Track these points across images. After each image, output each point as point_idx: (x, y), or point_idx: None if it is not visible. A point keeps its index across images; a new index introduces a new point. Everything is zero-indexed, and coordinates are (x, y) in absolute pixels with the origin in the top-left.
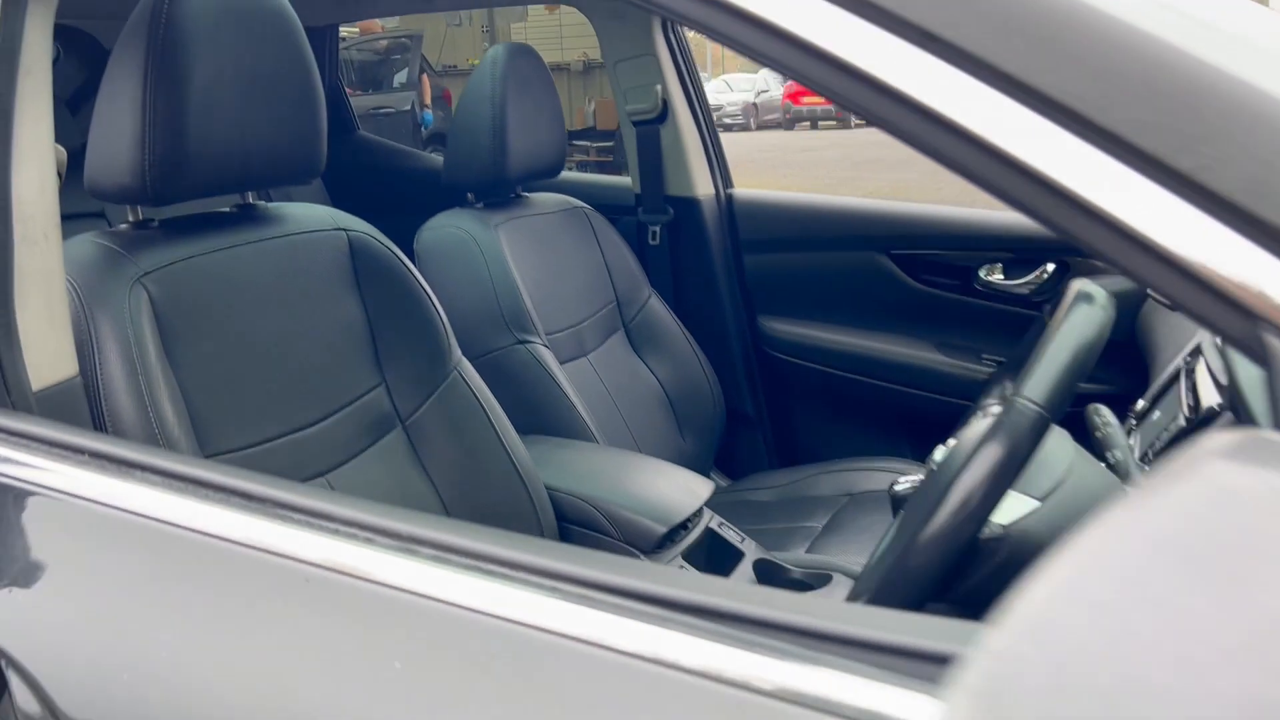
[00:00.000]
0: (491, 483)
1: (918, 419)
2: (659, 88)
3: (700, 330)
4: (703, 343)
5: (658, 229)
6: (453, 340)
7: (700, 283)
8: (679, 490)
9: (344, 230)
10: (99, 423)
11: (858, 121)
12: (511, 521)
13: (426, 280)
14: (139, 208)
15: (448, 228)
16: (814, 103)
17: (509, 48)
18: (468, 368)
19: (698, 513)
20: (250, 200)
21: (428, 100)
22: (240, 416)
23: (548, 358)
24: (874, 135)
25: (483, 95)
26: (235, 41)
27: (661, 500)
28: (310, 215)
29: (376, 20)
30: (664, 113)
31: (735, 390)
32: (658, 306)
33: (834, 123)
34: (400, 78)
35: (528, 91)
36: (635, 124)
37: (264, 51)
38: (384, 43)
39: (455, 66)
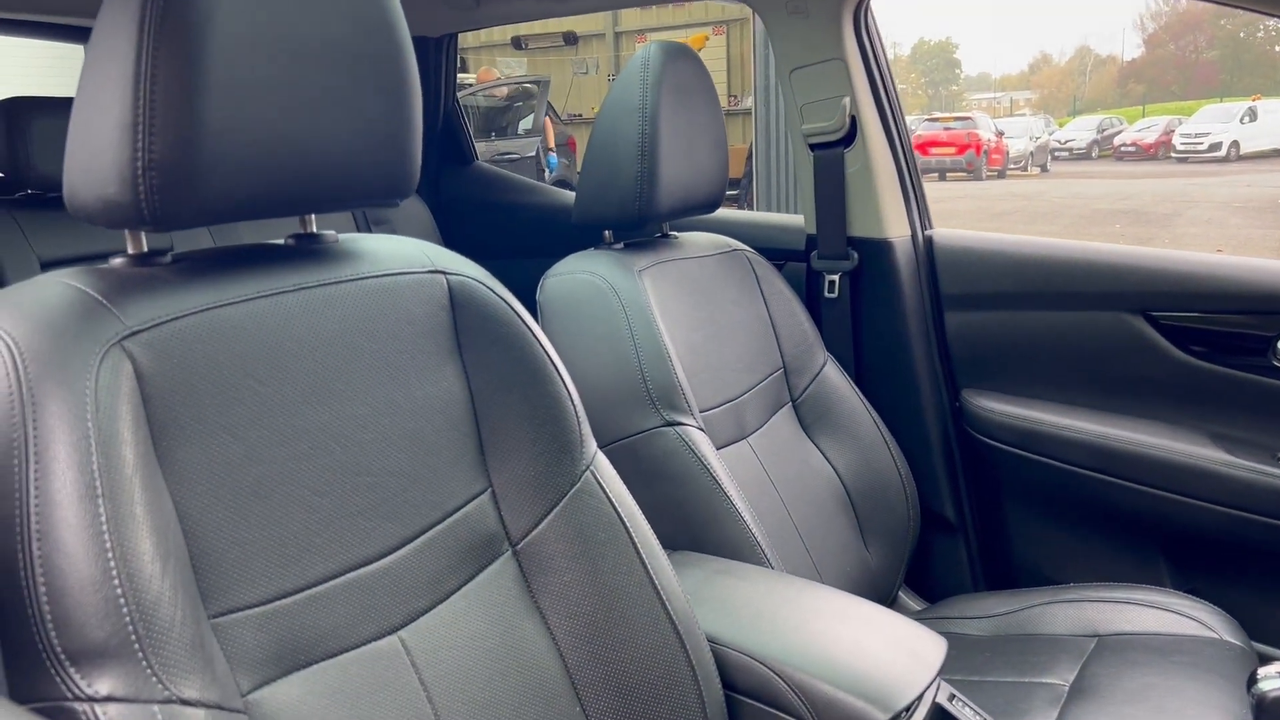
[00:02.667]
0: (634, 634)
1: (1182, 535)
2: (847, 101)
3: (888, 407)
4: (891, 423)
5: (836, 278)
6: (586, 426)
7: (889, 347)
8: (901, 653)
9: (443, 273)
10: (20, 593)
11: (989, 173)
12: (661, 691)
13: (551, 340)
14: (142, 235)
15: (579, 273)
16: (943, 154)
17: (665, 46)
18: (604, 465)
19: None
20: (312, 229)
21: (552, 144)
22: (274, 550)
23: (703, 445)
24: (1007, 187)
25: (629, 106)
26: None
27: (878, 670)
28: (396, 252)
29: (496, 70)
30: (851, 133)
31: (932, 485)
32: (835, 376)
33: (963, 174)
34: (525, 124)
35: (687, 103)
36: (813, 148)
37: (324, 7)
38: (507, 89)
39: (580, 115)
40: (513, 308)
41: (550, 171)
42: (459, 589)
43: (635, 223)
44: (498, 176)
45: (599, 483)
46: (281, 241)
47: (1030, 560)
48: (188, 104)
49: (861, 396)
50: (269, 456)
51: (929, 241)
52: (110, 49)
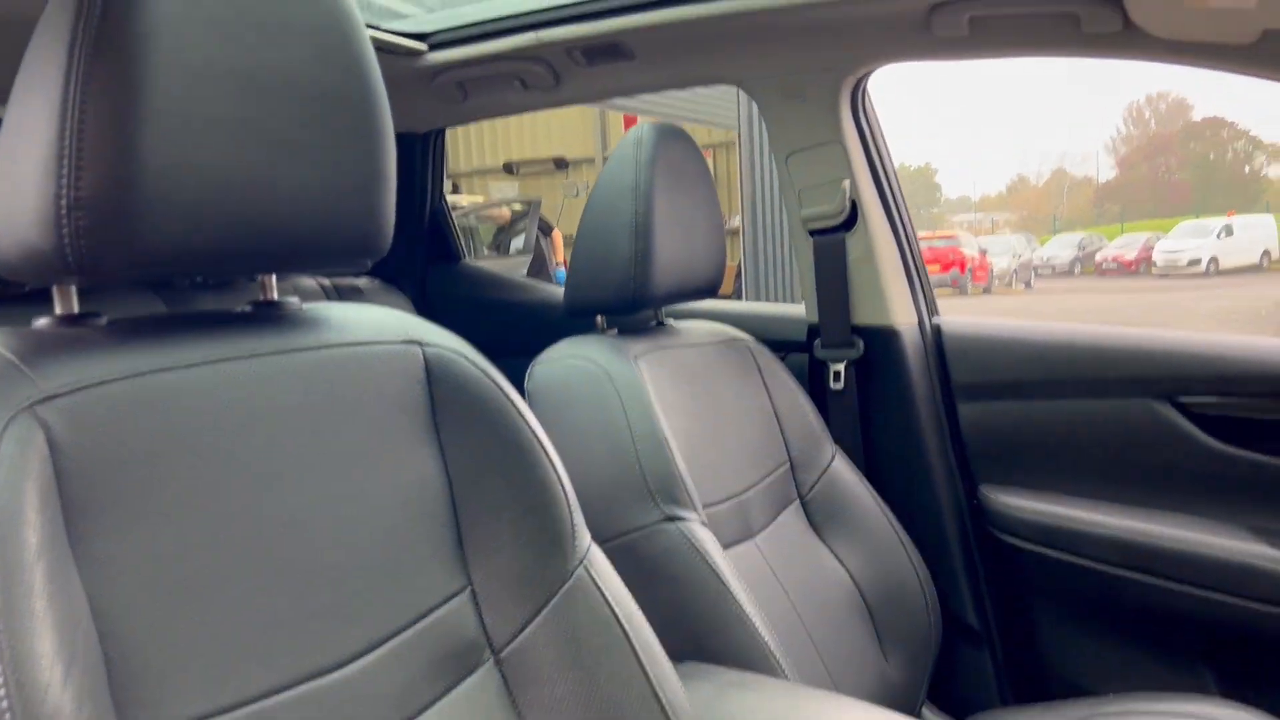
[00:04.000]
0: None
1: (1227, 637)
2: (847, 184)
3: (902, 505)
4: (906, 521)
5: (841, 368)
6: (578, 516)
7: (900, 439)
8: None
9: (419, 344)
10: None
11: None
12: None
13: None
14: (73, 294)
15: (571, 358)
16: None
17: (657, 127)
18: (599, 559)
19: None
20: (271, 296)
21: (560, 257)
22: (210, 656)
23: (708, 543)
24: (994, 303)
25: (622, 185)
26: (234, 16)
27: None
28: (367, 320)
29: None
30: (852, 217)
31: (953, 589)
32: (844, 471)
33: (950, 290)
34: (518, 243)
35: (681, 183)
36: (812, 234)
37: (286, 39)
38: (503, 210)
39: (571, 236)
40: (497, 383)
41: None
42: (433, 704)
43: (630, 306)
44: (486, 274)
45: (594, 580)
46: (242, 309)
47: (1062, 669)
48: (122, 136)
49: (874, 493)
50: (208, 545)
51: (937, 329)
52: (38, 75)
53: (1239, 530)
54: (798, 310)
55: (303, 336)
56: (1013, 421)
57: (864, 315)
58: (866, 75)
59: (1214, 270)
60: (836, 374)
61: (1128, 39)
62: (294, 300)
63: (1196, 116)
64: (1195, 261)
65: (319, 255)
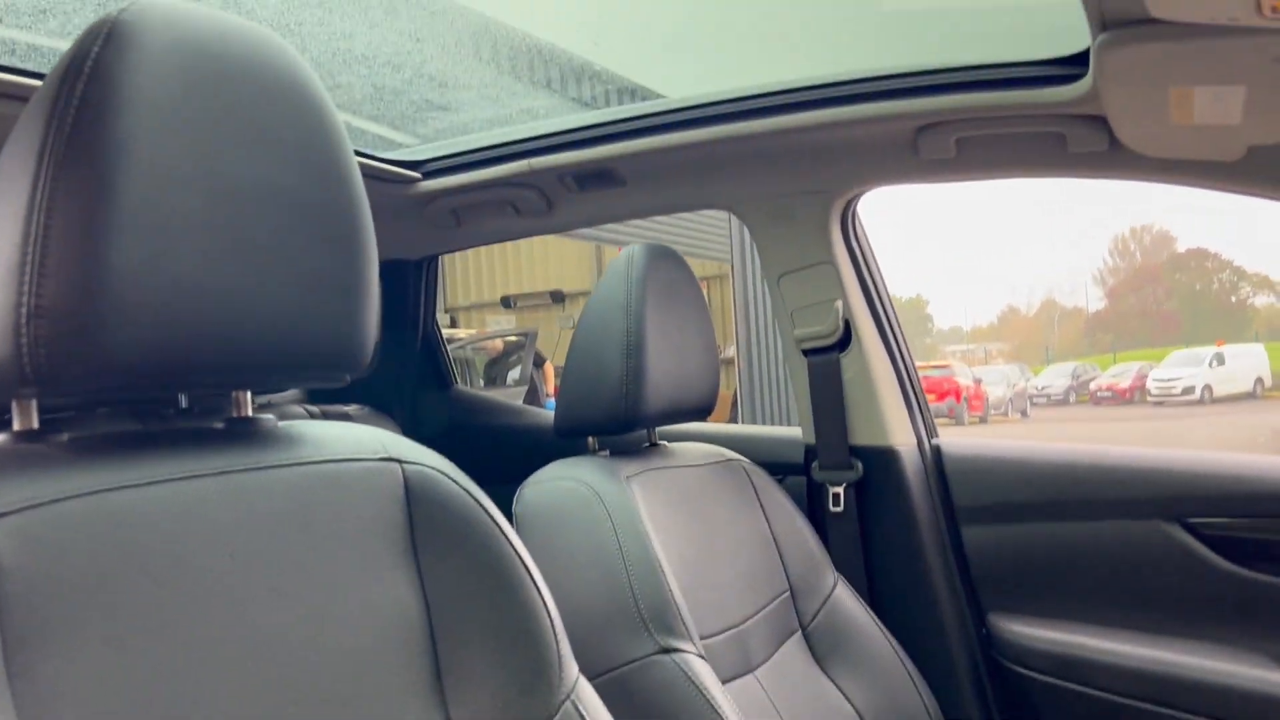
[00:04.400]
0: None
1: None
2: (839, 304)
3: (908, 635)
4: (912, 653)
5: (840, 490)
6: (565, 646)
7: (904, 565)
8: None
9: (398, 462)
10: None
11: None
12: None
13: (529, 553)
14: (33, 409)
15: (561, 480)
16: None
17: (649, 247)
18: (587, 693)
19: None
20: (246, 412)
21: (551, 388)
22: None
23: (706, 677)
24: (991, 431)
25: (614, 303)
26: (215, 125)
27: None
28: (344, 436)
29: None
30: (846, 336)
31: (959, 718)
32: (847, 599)
33: (946, 420)
34: (514, 374)
35: (674, 303)
36: (806, 354)
37: (268, 148)
38: (499, 342)
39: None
40: (480, 504)
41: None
42: None
43: (622, 426)
44: (478, 399)
45: (581, 716)
46: (217, 425)
47: None
48: (88, 242)
49: (878, 622)
50: (165, 674)
51: (937, 450)
52: (7, 180)
53: (1259, 658)
54: (794, 433)
55: (275, 453)
56: (1019, 545)
57: (862, 436)
58: (856, 197)
59: (1209, 398)
60: (836, 496)
61: (1114, 158)
62: (269, 417)
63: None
64: (1189, 390)
65: (296, 368)
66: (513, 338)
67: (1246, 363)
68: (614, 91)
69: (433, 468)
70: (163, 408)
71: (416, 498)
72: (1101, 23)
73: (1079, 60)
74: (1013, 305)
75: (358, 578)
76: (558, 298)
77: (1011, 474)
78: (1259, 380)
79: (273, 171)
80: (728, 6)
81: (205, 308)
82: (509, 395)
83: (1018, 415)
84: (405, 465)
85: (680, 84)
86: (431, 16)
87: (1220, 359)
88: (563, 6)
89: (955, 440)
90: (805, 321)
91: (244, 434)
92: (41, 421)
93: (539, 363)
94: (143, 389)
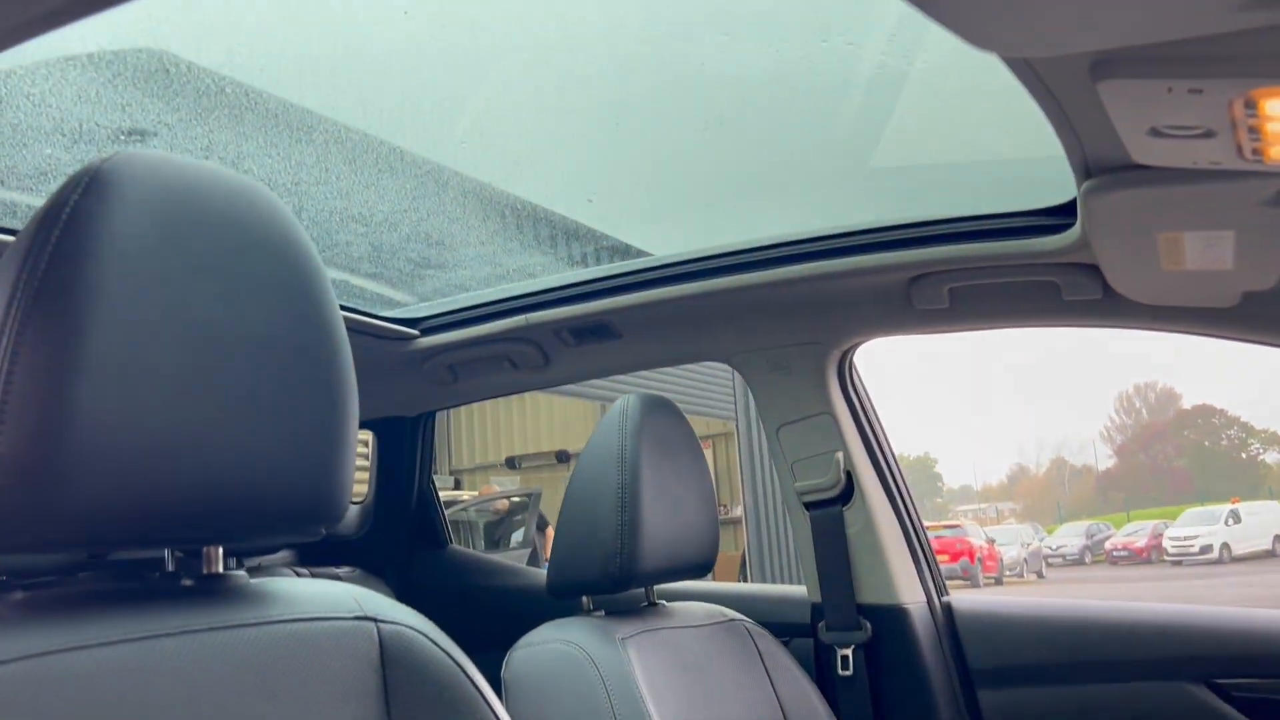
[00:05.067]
0: None
1: None
2: (840, 456)
3: None
4: None
5: (849, 652)
6: None
7: None
8: None
9: (373, 621)
10: None
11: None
12: None
13: None
14: None
15: (552, 643)
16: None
17: (644, 398)
18: None
19: None
20: (216, 568)
21: (548, 554)
22: None
23: None
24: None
25: (608, 456)
26: (192, 270)
27: None
28: (316, 594)
29: (495, 485)
30: (848, 489)
31: None
32: None
33: (960, 581)
34: (517, 536)
35: (669, 455)
36: (809, 507)
37: (246, 294)
38: (503, 503)
39: None
40: (462, 668)
41: None
42: None
43: (617, 584)
44: (473, 559)
45: None
46: (188, 583)
47: None
48: (54, 388)
49: None
50: None
51: (948, 608)
52: None
53: None
54: (799, 591)
55: (241, 611)
56: (1038, 709)
57: (869, 593)
58: (853, 348)
59: (1227, 557)
60: (844, 659)
61: (1109, 307)
62: (240, 574)
63: (1186, 404)
64: (1207, 548)
65: (271, 522)
66: (517, 498)
67: (1263, 520)
68: (606, 250)
69: (411, 627)
70: (146, 569)
71: (392, 660)
72: (1086, 170)
73: (1068, 210)
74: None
75: None
76: (563, 458)
77: (1027, 633)
78: (1277, 538)
79: (251, 319)
80: (718, 166)
81: (174, 459)
82: (511, 559)
83: (1033, 576)
84: (381, 624)
85: (673, 241)
86: (426, 176)
87: (1236, 516)
88: (555, 169)
89: (967, 597)
90: (806, 474)
91: (211, 591)
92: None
93: (541, 526)
94: (104, 544)
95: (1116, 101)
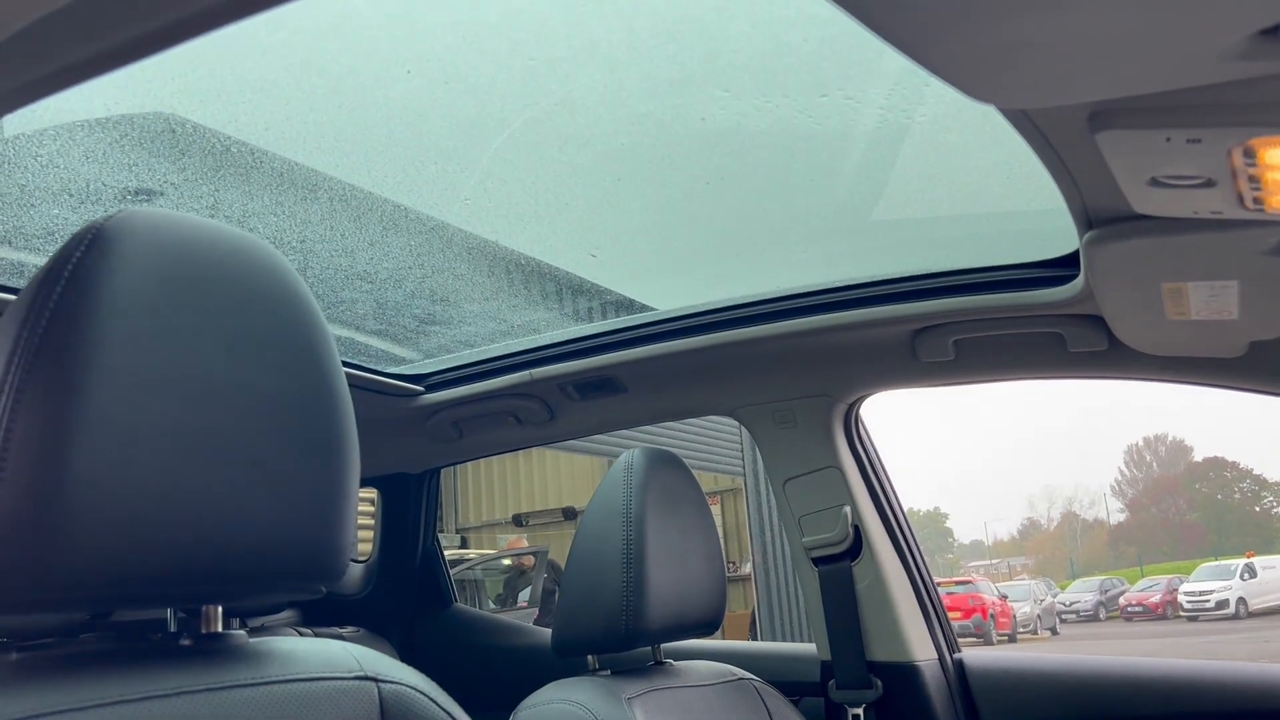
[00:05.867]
0: None
1: None
2: (848, 510)
3: None
4: None
5: (860, 711)
6: None
7: None
8: None
9: (374, 680)
10: None
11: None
12: None
13: None
14: None
15: (557, 703)
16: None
17: (649, 452)
18: None
19: None
20: (215, 628)
21: None
22: None
23: None
24: None
25: (613, 510)
26: (195, 327)
27: None
28: (316, 653)
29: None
30: (856, 544)
31: None
32: None
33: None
34: (525, 595)
35: (676, 510)
36: (816, 563)
37: (249, 350)
38: (509, 561)
39: None
40: None
41: None
42: None
43: (623, 643)
44: (478, 618)
45: None
46: (186, 643)
47: None
48: (54, 446)
49: None
50: None
51: (960, 665)
52: None
53: None
54: (809, 649)
55: (240, 671)
56: None
57: (880, 651)
58: (859, 401)
59: (1244, 612)
60: (856, 718)
61: (1114, 358)
62: (239, 633)
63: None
64: (1224, 604)
65: (271, 580)
66: (527, 554)
67: (1278, 574)
68: (611, 304)
69: (412, 687)
70: (147, 630)
71: (395, 719)
72: (1087, 221)
73: (1070, 261)
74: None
75: None
76: (570, 514)
77: (1042, 690)
78: None
79: (252, 376)
80: (720, 220)
81: (173, 517)
82: (521, 617)
83: (1047, 632)
84: (381, 684)
85: (677, 296)
86: (430, 233)
87: (1251, 570)
88: (558, 225)
89: (980, 654)
90: (813, 528)
91: (210, 652)
92: None
93: (556, 581)
94: (101, 604)
95: (1115, 152)
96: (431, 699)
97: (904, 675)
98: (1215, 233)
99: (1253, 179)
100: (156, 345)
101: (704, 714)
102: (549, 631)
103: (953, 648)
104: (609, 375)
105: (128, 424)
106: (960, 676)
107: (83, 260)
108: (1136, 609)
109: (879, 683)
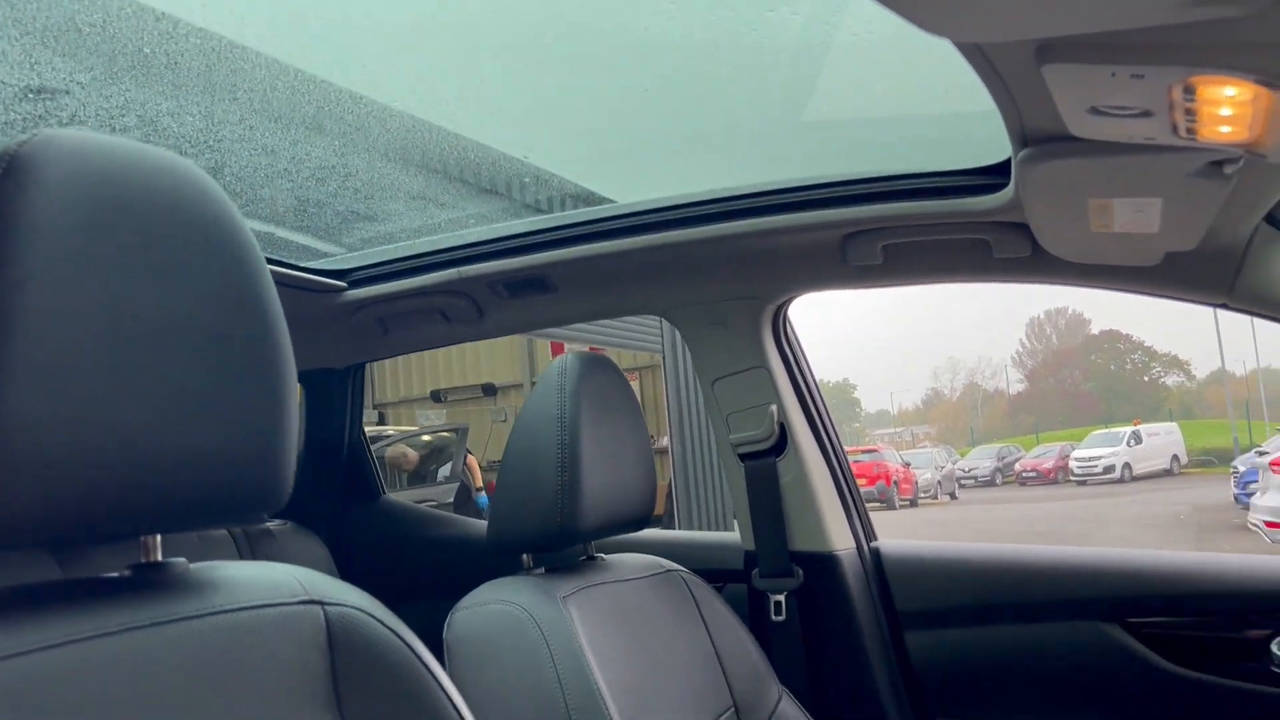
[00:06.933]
0: None
1: None
2: (774, 409)
3: None
4: None
5: (782, 598)
6: None
7: (847, 674)
8: None
9: (320, 604)
10: None
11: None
12: None
13: (461, 688)
14: None
15: (494, 604)
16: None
17: (582, 356)
18: None
19: None
20: (155, 557)
21: (479, 481)
22: None
23: None
24: (923, 515)
25: (547, 415)
26: (123, 257)
27: None
28: (260, 579)
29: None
30: (781, 441)
31: None
32: (793, 714)
33: (877, 504)
34: (444, 471)
35: (608, 412)
36: (743, 458)
37: (180, 279)
38: (428, 438)
39: (498, 462)
40: (410, 646)
41: (483, 511)
42: None
43: (557, 542)
44: (407, 511)
45: None
46: (115, 574)
47: None
48: None
49: None
50: None
51: (876, 553)
52: None
53: None
54: (732, 538)
55: (186, 602)
56: (962, 650)
57: (801, 541)
58: (787, 302)
59: (1129, 476)
60: (777, 605)
61: (1037, 264)
62: (179, 561)
63: (1095, 330)
64: (1110, 469)
65: (212, 511)
66: (444, 434)
67: (1162, 441)
68: (544, 203)
69: (357, 608)
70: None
71: (340, 642)
72: (1023, 139)
73: (1001, 170)
74: (937, 389)
75: None
76: (489, 390)
77: (952, 576)
78: (1174, 458)
79: (185, 304)
80: (655, 123)
81: (109, 451)
82: (439, 493)
83: (946, 497)
84: (327, 607)
85: (610, 197)
86: (356, 133)
87: (1138, 437)
88: (493, 124)
89: (894, 543)
90: (740, 426)
91: (152, 582)
92: None
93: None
94: (37, 544)
95: (1059, 82)
96: (378, 619)
97: (824, 564)
98: (1145, 155)
99: (1189, 112)
100: (82, 278)
101: (636, 607)
102: (477, 523)
103: (869, 537)
104: (539, 275)
105: (57, 361)
106: (876, 564)
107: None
108: (1030, 474)
109: (800, 571)
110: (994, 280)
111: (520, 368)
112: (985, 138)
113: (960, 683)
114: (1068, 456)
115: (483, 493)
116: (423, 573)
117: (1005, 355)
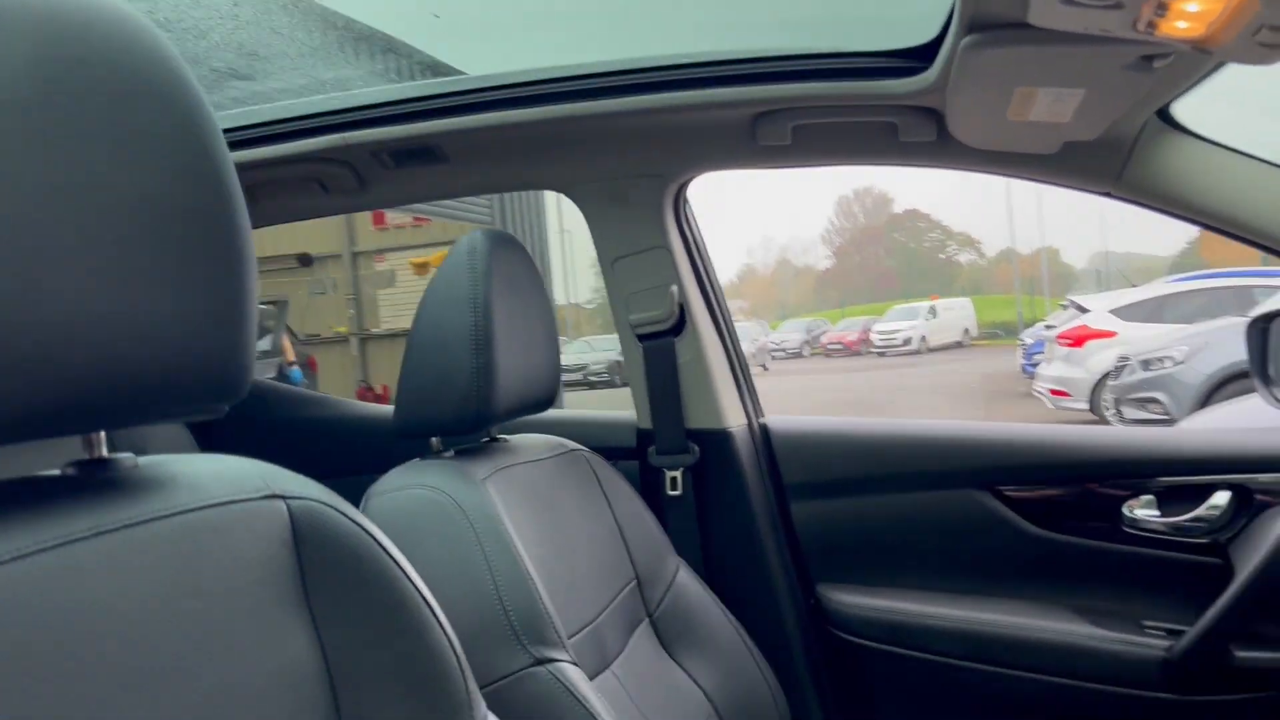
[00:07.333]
0: None
1: (1065, 716)
2: (674, 290)
3: (746, 612)
4: (751, 629)
5: (678, 474)
6: (473, 685)
7: (739, 544)
8: None
9: (282, 498)
10: None
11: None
12: None
13: None
14: None
15: (413, 488)
16: None
17: (490, 235)
18: None
19: None
20: (102, 452)
21: (292, 357)
22: None
23: (581, 684)
24: None
25: (458, 296)
26: (71, 127)
27: None
28: (219, 474)
29: None
30: (680, 322)
31: (798, 696)
32: (690, 583)
33: None
34: (263, 344)
35: (519, 293)
36: (641, 339)
37: (134, 150)
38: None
39: (319, 335)
40: (373, 537)
41: (298, 385)
42: None
43: (472, 424)
44: (278, 392)
45: None
46: (57, 472)
47: None
48: None
49: (719, 603)
50: None
51: (765, 429)
52: None
53: (1063, 611)
54: (625, 416)
55: (145, 502)
56: (844, 518)
57: (698, 419)
58: (688, 181)
59: (925, 348)
60: (674, 480)
61: (940, 149)
62: (127, 456)
63: (898, 208)
64: (908, 341)
65: (169, 402)
66: (264, 305)
67: (956, 315)
68: (437, 67)
69: (319, 501)
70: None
71: (304, 537)
72: (971, 24)
73: (920, 54)
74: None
75: (248, 637)
76: (305, 260)
77: (835, 449)
78: (966, 331)
79: (143, 179)
80: None
81: (57, 339)
82: (258, 369)
83: (759, 369)
84: (290, 501)
85: (511, 64)
86: None
87: (934, 312)
88: None
89: (782, 419)
90: (640, 306)
91: (100, 482)
92: None
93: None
94: None
95: None
96: (343, 513)
97: (718, 440)
98: (1089, 46)
99: (1161, 6)
100: (31, 148)
101: (545, 488)
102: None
103: (759, 413)
104: (430, 144)
105: (5, 241)
106: (765, 439)
107: None
108: (836, 347)
109: (696, 448)
110: (896, 164)
111: (339, 237)
112: (916, 19)
113: (843, 550)
114: (870, 330)
115: (295, 366)
116: (303, 459)
117: (815, 233)
